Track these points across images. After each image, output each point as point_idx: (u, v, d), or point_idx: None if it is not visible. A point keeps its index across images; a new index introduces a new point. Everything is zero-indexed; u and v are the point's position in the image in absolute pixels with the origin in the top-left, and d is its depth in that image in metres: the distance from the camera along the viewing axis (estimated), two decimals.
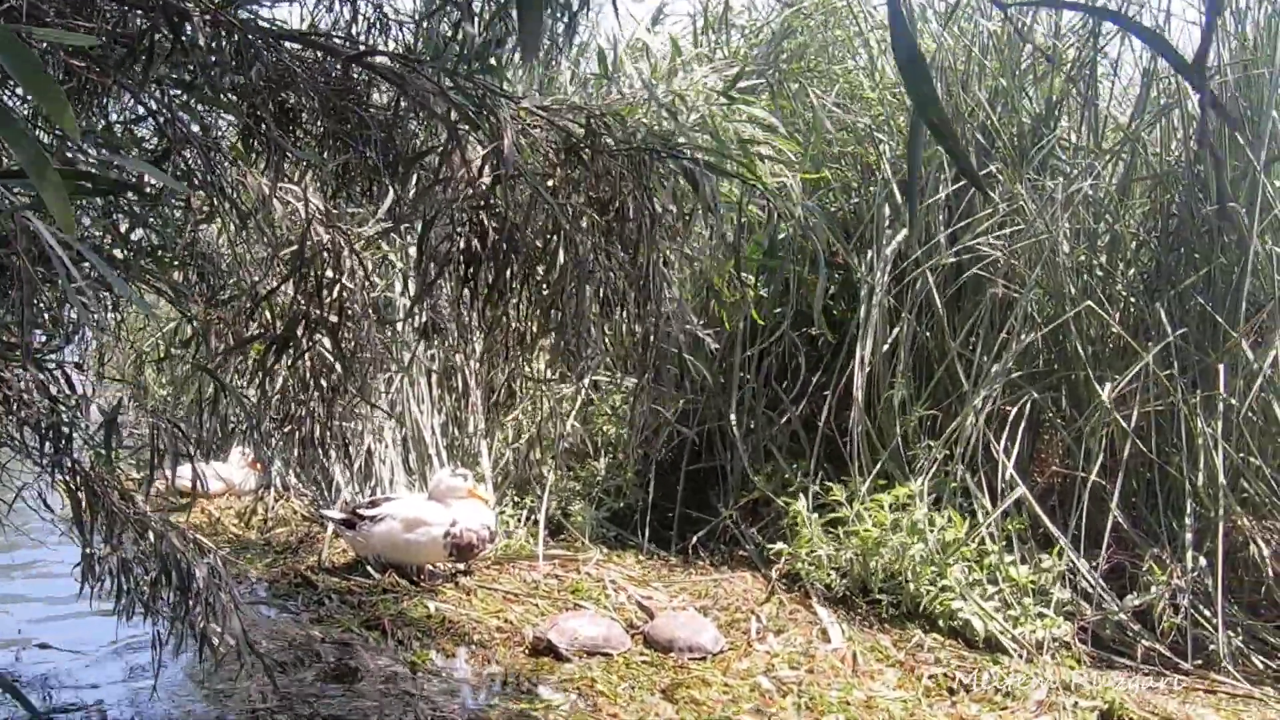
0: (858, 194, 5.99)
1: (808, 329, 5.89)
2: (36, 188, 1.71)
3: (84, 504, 3.55)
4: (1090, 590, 4.91)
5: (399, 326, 4.76)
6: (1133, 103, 5.77)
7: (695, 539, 5.89)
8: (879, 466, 5.38)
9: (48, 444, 3.58)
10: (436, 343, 5.50)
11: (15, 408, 3.55)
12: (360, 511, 5.24)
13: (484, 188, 3.31)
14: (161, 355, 5.27)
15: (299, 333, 3.43)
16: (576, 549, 5.79)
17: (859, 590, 5.14)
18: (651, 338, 3.49)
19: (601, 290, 3.28)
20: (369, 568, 5.31)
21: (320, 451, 4.23)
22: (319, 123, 3.38)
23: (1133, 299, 5.43)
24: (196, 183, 3.30)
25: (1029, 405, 5.30)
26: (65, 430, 3.59)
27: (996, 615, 4.78)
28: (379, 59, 3.22)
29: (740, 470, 5.92)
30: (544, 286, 3.48)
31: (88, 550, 3.49)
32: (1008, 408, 5.27)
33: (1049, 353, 5.52)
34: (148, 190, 3.38)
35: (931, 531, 4.99)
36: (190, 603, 3.42)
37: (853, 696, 4.23)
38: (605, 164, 3.25)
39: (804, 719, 4.06)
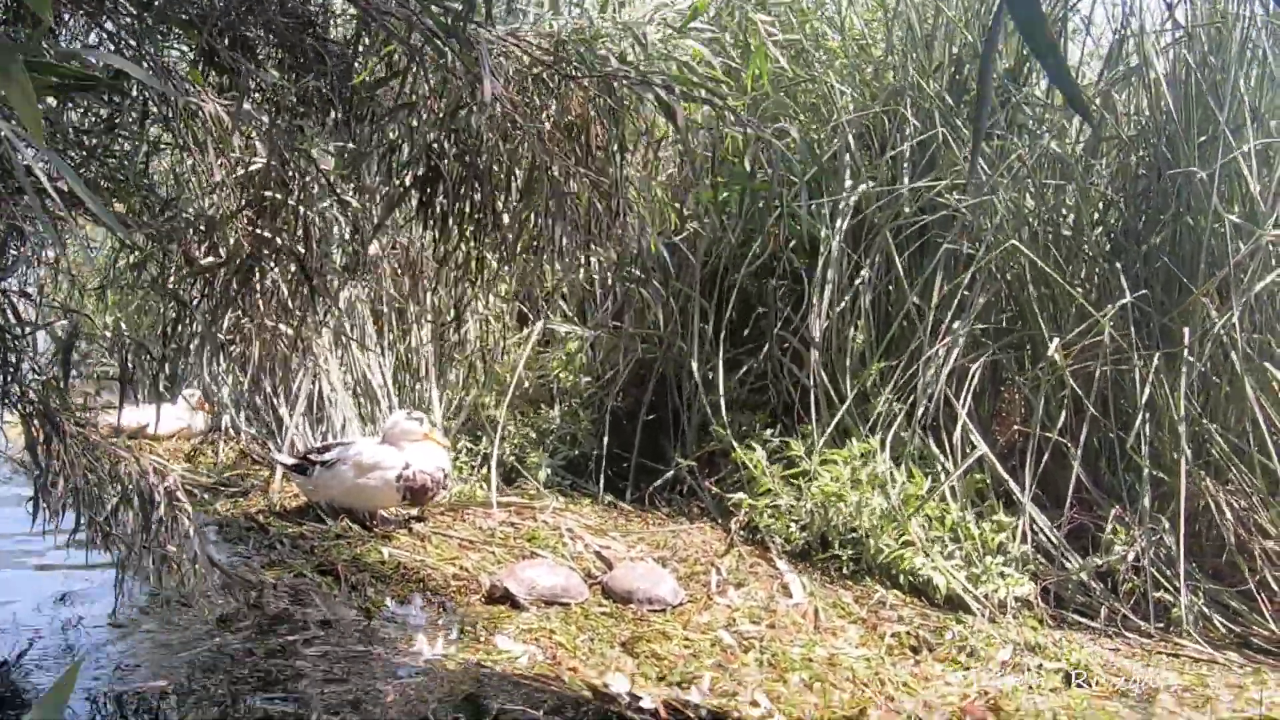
0: (822, 145, 5.91)
1: (766, 279, 5.84)
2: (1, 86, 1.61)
3: (38, 432, 3.46)
4: (1052, 550, 4.92)
5: (338, 261, 4.65)
6: (1103, 61, 5.73)
7: (652, 489, 5.84)
8: (836, 419, 5.34)
9: None
10: (373, 284, 5.42)
11: None
12: (312, 456, 5.15)
13: (447, 114, 3.24)
14: (108, 280, 5.12)
15: (261, 260, 3.34)
16: (532, 496, 5.73)
17: (819, 544, 5.11)
18: (624, 262, 3.44)
19: (572, 211, 3.23)
20: (320, 512, 5.21)
21: (270, 379, 4.17)
22: (277, 53, 3.28)
23: (1098, 259, 5.41)
24: (153, 107, 3.20)
25: (991, 362, 5.29)
26: (14, 359, 3.49)
27: (958, 573, 4.77)
28: None
29: (698, 420, 5.87)
30: (506, 214, 3.42)
31: (41, 479, 3.41)
32: (969, 364, 5.24)
33: (1012, 310, 5.50)
34: (119, 88, 3.25)
35: (892, 487, 4.96)
36: (153, 527, 3.35)
37: (815, 654, 4.20)
38: (573, 90, 3.19)
39: (767, 675, 4.02)
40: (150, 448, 6.14)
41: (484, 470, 5.81)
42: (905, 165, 5.59)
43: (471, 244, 3.45)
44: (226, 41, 3.10)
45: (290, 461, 5.23)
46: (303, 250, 3.27)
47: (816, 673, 4.04)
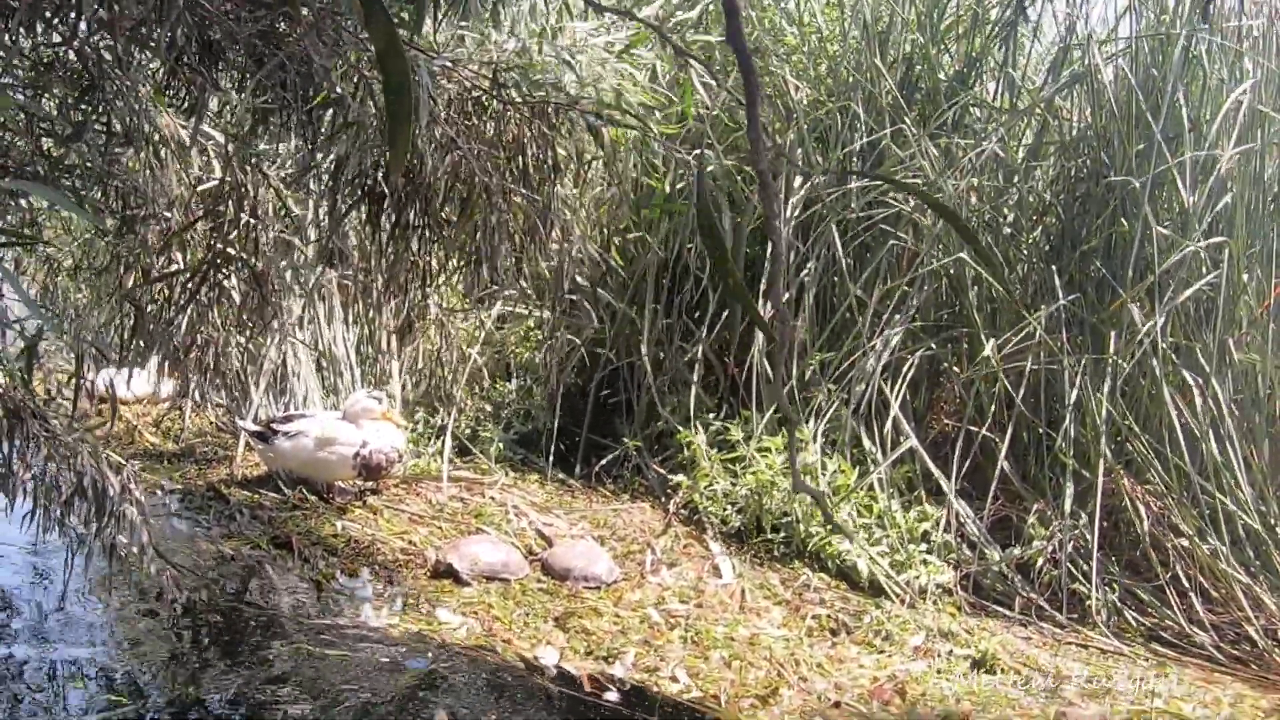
0: (775, 136, 6.08)
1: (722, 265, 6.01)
2: None
3: (1, 423, 3.65)
4: (975, 540, 5.13)
5: (308, 252, 4.86)
6: (1047, 69, 5.91)
7: (599, 466, 6.04)
8: (774, 406, 5.54)
9: None
10: (342, 269, 5.60)
11: None
12: (275, 425, 5.35)
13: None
14: (77, 265, 5.31)
15: (213, 269, 3.53)
16: (483, 471, 5.94)
17: (753, 527, 5.32)
18: (562, 270, 3.65)
19: (508, 227, 3.43)
20: (280, 482, 5.42)
21: (231, 373, 4.36)
22: (241, 58, 3.45)
23: (1035, 260, 5.61)
24: (117, 122, 3.37)
25: (930, 357, 5.49)
26: None
27: (882, 560, 4.98)
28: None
29: (647, 400, 6.07)
30: (448, 225, 3.62)
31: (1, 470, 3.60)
32: (907, 355, 5.45)
33: (951, 308, 5.70)
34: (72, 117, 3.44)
35: (823, 475, 5.18)
36: (104, 519, 3.55)
37: (738, 633, 4.42)
38: (510, 113, 3.38)
39: (689, 653, 4.24)
40: (120, 413, 6.33)
41: (440, 443, 6.01)
42: (855, 161, 5.77)
43: (416, 254, 3.65)
44: (194, 47, 3.28)
45: (253, 429, 5.43)
46: (254, 261, 3.47)
47: (736, 651, 4.26)
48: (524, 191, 3.40)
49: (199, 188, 3.54)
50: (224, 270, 3.58)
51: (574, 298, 6.13)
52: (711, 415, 5.74)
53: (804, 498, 5.12)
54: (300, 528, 5.01)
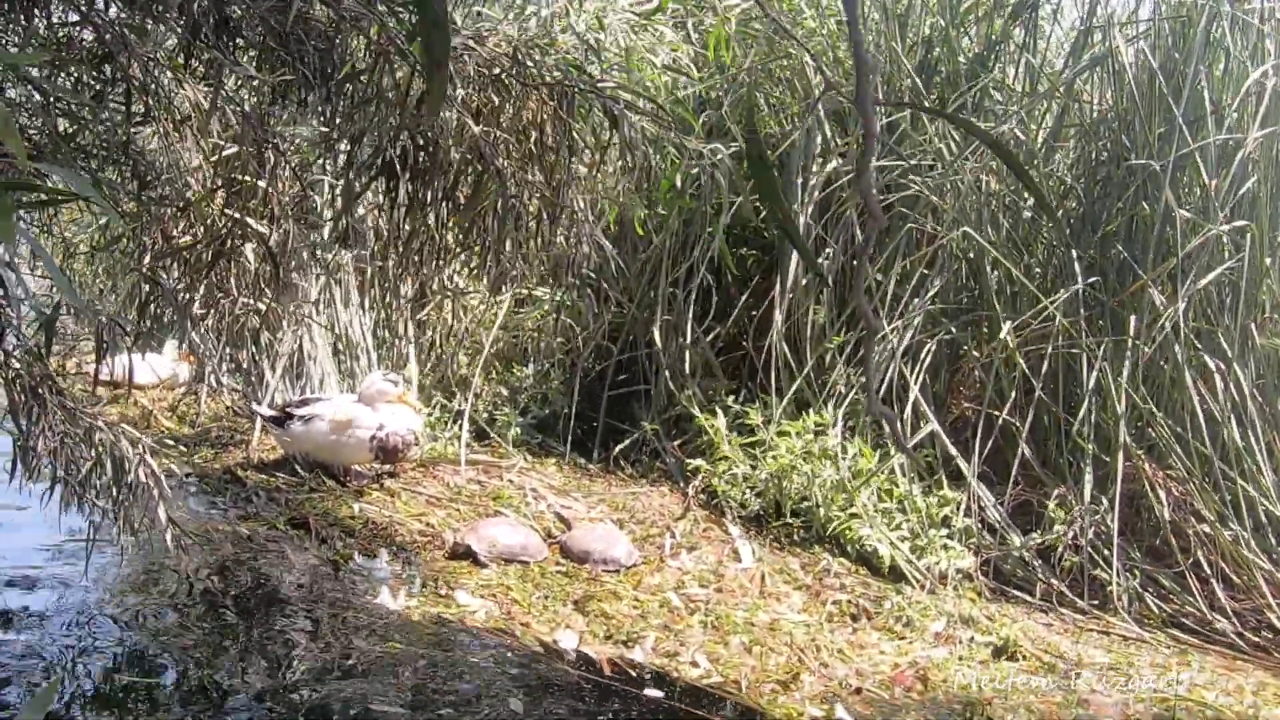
0: (796, 121, 6.05)
1: (738, 249, 6.00)
2: None
3: (19, 398, 3.64)
4: (996, 525, 5.10)
5: (324, 232, 4.85)
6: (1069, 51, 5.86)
7: (618, 450, 6.02)
8: (793, 390, 5.52)
9: None
10: (358, 249, 5.58)
11: None
12: (291, 409, 5.34)
13: (411, 109, 3.39)
14: (93, 247, 5.30)
15: (230, 240, 3.51)
16: (501, 455, 5.92)
17: (772, 511, 5.30)
18: (572, 254, 3.62)
19: (519, 210, 3.41)
20: (296, 466, 5.41)
21: (250, 344, 4.35)
22: (259, 34, 3.43)
23: (1056, 244, 5.57)
24: (134, 90, 3.35)
25: (949, 341, 5.46)
26: None
27: (902, 545, 4.95)
28: None
29: (665, 384, 6.04)
30: (461, 204, 3.59)
31: (20, 443, 3.59)
32: (926, 339, 5.42)
33: (970, 291, 5.67)
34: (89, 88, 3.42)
35: (844, 459, 5.15)
36: (124, 492, 3.53)
37: (758, 618, 4.40)
38: (529, 94, 3.35)
39: (709, 637, 4.22)
40: (135, 398, 6.33)
41: (457, 427, 6.00)
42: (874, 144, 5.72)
43: (433, 228, 3.63)
44: (212, 22, 3.26)
45: (269, 413, 5.42)
46: (267, 232, 3.45)
47: (756, 637, 4.23)
48: (538, 174, 3.37)
49: (217, 155, 3.51)
50: (240, 240, 3.55)
51: (592, 280, 6.10)
52: (730, 398, 5.71)
53: (824, 481, 5.09)
54: (317, 509, 5.00)
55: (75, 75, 3.53)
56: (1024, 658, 4.30)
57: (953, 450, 5.25)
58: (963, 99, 5.63)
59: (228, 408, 6.26)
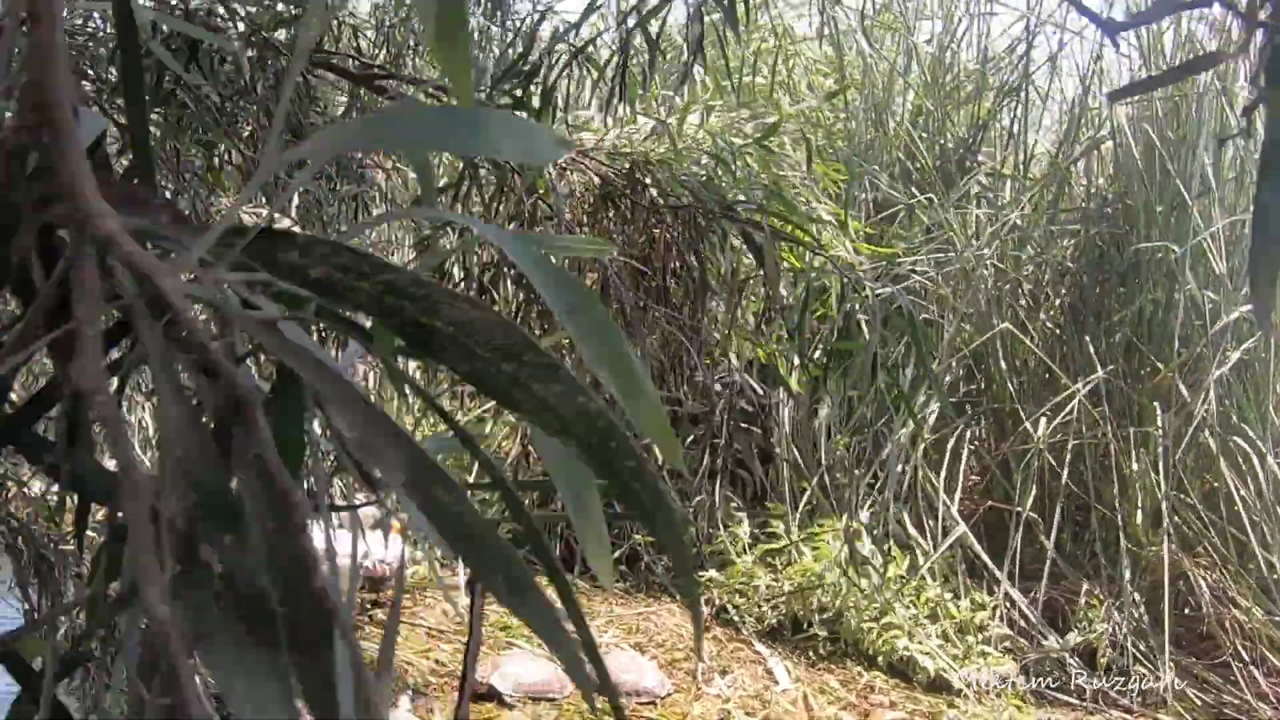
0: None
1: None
2: None
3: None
4: (1027, 627, 4.91)
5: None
6: (1059, 133, 5.77)
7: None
8: (807, 496, 5.27)
9: None
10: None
11: None
12: None
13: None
14: None
15: None
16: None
17: (790, 624, 5.03)
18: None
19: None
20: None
21: None
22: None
23: (1058, 330, 5.43)
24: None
25: (955, 434, 5.27)
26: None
27: (941, 653, 4.72)
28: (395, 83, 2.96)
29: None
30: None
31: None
32: (944, 436, 5.23)
33: (973, 382, 5.49)
34: None
35: (874, 566, 4.91)
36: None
37: None
38: (646, 217, 3.05)
39: None
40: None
41: (430, 546, 5.61)
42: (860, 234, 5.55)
43: None
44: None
45: None
46: None
47: None
48: (663, 310, 3.01)
49: None
50: None
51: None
52: (732, 505, 5.42)
53: (856, 591, 4.83)
54: None
55: None
56: None
57: (980, 550, 5.04)
58: (955, 186, 5.47)
59: None
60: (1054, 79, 5.91)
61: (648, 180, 2.93)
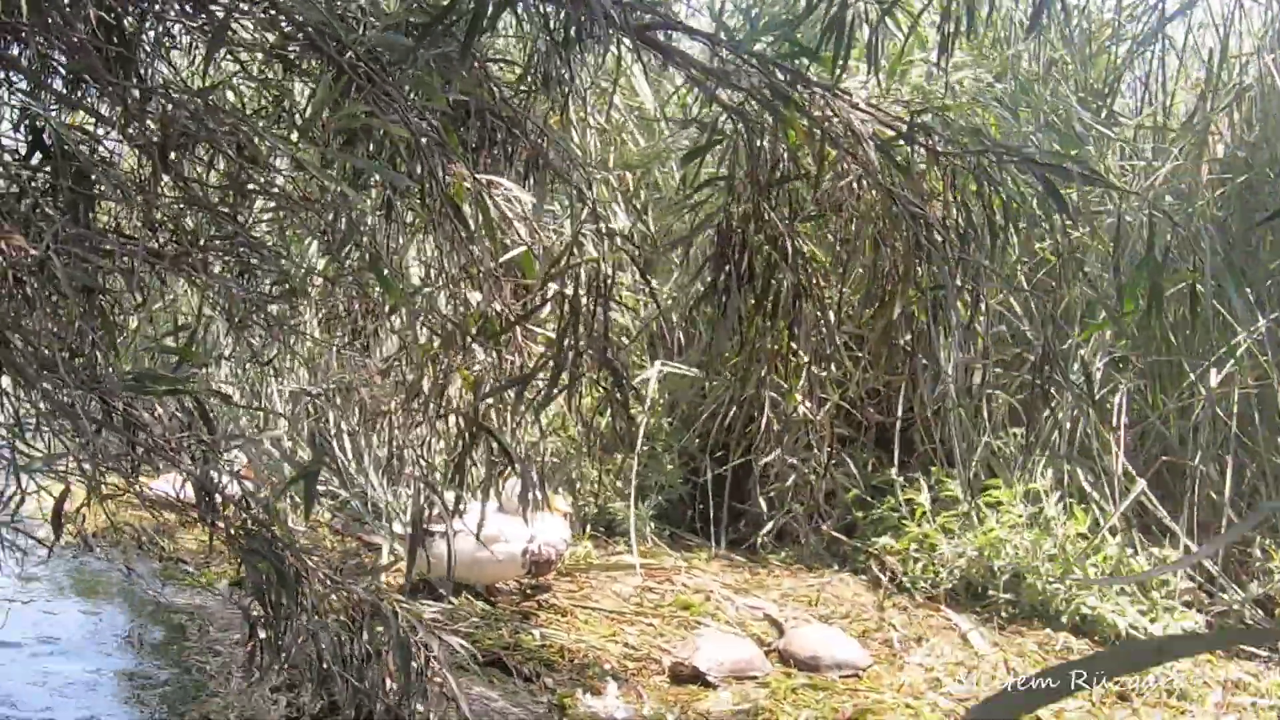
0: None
1: None
2: None
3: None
4: (1207, 581, 4.87)
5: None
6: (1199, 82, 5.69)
7: (761, 536, 5.59)
8: (978, 457, 5.20)
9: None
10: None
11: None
12: (428, 526, 4.78)
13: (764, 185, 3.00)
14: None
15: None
16: (644, 554, 5.40)
17: (965, 588, 4.97)
18: None
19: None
20: (439, 589, 4.84)
21: None
22: None
23: (1215, 280, 5.36)
24: None
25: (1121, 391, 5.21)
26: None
27: (1130, 610, 4.67)
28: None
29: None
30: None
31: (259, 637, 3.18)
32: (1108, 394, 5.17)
33: (1133, 338, 5.43)
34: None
35: (1058, 526, 4.85)
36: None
37: (1039, 712, 4.06)
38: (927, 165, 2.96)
39: None
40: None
41: (585, 528, 5.52)
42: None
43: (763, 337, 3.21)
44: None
45: (402, 532, 4.88)
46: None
47: None
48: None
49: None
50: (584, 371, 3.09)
51: None
52: (909, 473, 5.33)
53: (1042, 553, 4.77)
54: (498, 641, 4.45)
55: None
56: None
57: (1158, 506, 4.99)
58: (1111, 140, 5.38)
59: (336, 532, 5.59)
60: (1189, 33, 5.80)
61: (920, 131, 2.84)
